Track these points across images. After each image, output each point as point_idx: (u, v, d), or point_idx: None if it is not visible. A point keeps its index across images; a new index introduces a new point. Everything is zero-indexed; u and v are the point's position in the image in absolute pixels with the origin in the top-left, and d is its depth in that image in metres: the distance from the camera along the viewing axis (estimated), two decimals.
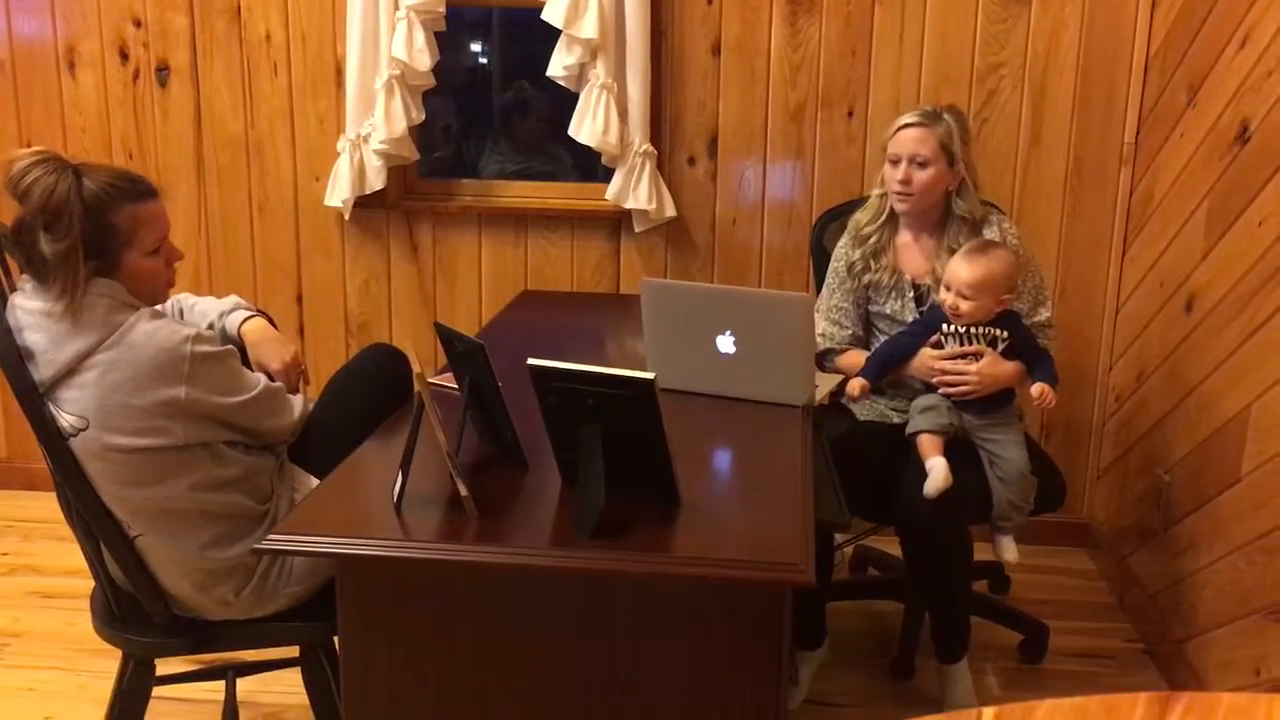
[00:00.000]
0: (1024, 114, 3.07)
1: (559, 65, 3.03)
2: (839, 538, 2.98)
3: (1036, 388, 2.31)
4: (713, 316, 2.07)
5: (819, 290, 2.68)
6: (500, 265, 3.33)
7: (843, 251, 2.58)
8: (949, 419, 2.32)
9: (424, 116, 3.15)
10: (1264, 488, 2.21)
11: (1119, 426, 3.12)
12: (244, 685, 2.35)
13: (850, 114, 3.12)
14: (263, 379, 1.94)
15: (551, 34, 3.01)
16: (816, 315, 2.56)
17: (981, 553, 2.42)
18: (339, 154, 3.17)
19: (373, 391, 2.11)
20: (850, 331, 2.56)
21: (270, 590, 1.93)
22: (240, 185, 3.33)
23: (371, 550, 1.52)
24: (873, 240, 2.52)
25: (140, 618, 1.93)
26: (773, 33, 3.10)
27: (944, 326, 2.35)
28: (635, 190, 3.09)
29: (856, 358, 2.54)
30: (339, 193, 3.18)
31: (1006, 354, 2.34)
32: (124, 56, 3.28)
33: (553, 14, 2.97)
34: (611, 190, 3.12)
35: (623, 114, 3.05)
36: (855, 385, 2.37)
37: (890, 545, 2.97)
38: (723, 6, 3.09)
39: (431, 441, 1.63)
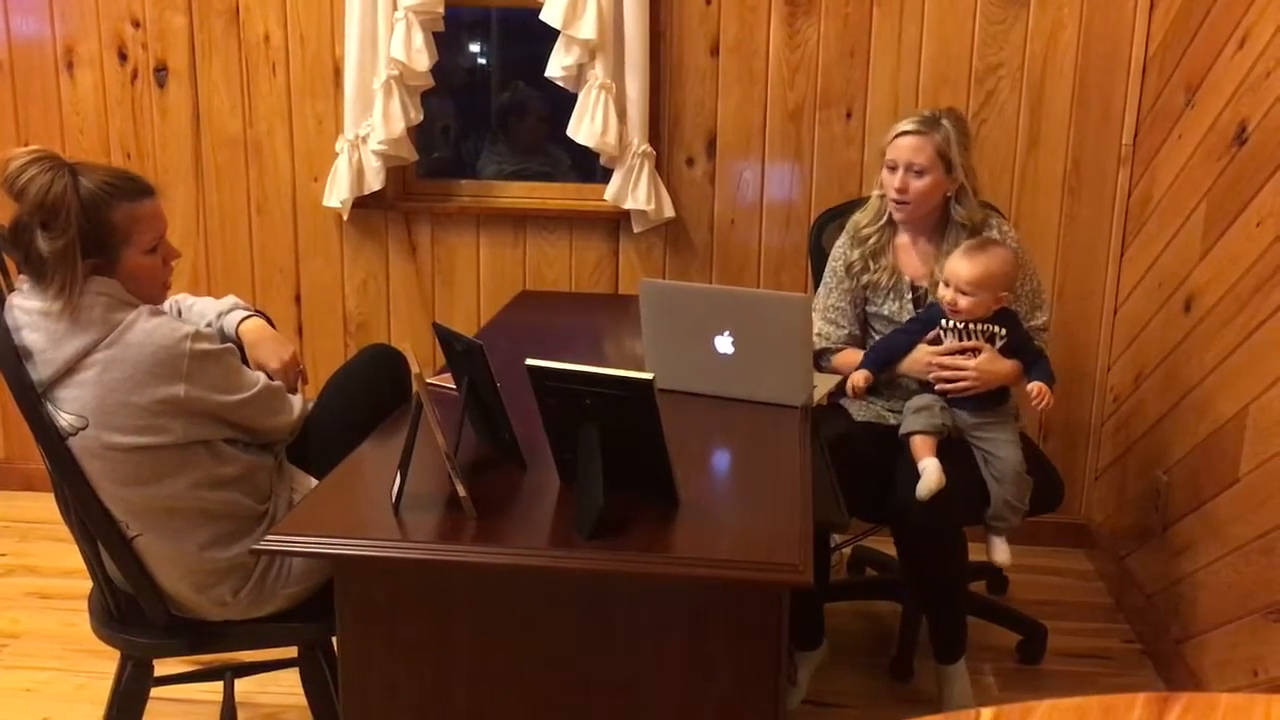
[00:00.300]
0: (1022, 115, 3.08)
1: (557, 66, 3.03)
2: (837, 538, 2.98)
3: (1034, 386, 2.31)
4: (711, 317, 2.07)
5: (816, 291, 2.68)
6: (499, 266, 3.33)
7: (841, 252, 2.58)
8: (942, 419, 2.32)
9: (422, 117, 3.15)
10: (1262, 488, 2.21)
11: (1117, 427, 3.13)
12: (242, 686, 2.35)
13: (848, 115, 3.13)
14: (262, 377, 1.94)
15: (550, 34, 3.01)
16: (814, 315, 2.56)
17: (978, 553, 2.42)
18: (337, 154, 3.17)
19: (371, 392, 2.12)
20: (847, 331, 2.56)
21: (268, 590, 1.93)
22: (239, 186, 3.33)
23: (370, 551, 1.52)
24: (872, 241, 2.52)
25: (138, 618, 1.93)
26: (771, 33, 3.10)
27: (942, 322, 2.35)
28: (634, 191, 3.09)
29: (853, 357, 2.54)
30: (337, 193, 3.18)
31: (1004, 352, 2.34)
32: (122, 57, 3.28)
33: (551, 14, 2.97)
34: (610, 191, 3.12)
35: (621, 114, 3.05)
36: (859, 377, 2.36)
37: (889, 546, 2.97)
38: (721, 7, 3.09)
39: (430, 442, 1.63)
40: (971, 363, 2.32)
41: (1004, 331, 2.33)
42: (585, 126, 3.03)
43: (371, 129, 3.10)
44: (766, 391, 2.07)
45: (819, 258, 2.78)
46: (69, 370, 1.75)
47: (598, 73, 3.01)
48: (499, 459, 1.79)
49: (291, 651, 2.06)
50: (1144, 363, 2.92)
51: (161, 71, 3.28)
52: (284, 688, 2.43)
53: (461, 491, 1.56)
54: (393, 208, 3.31)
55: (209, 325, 2.12)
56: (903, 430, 2.35)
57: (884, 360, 2.42)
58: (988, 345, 2.33)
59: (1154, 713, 1.05)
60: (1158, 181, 2.88)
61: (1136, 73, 3.01)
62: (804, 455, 1.84)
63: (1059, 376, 2.41)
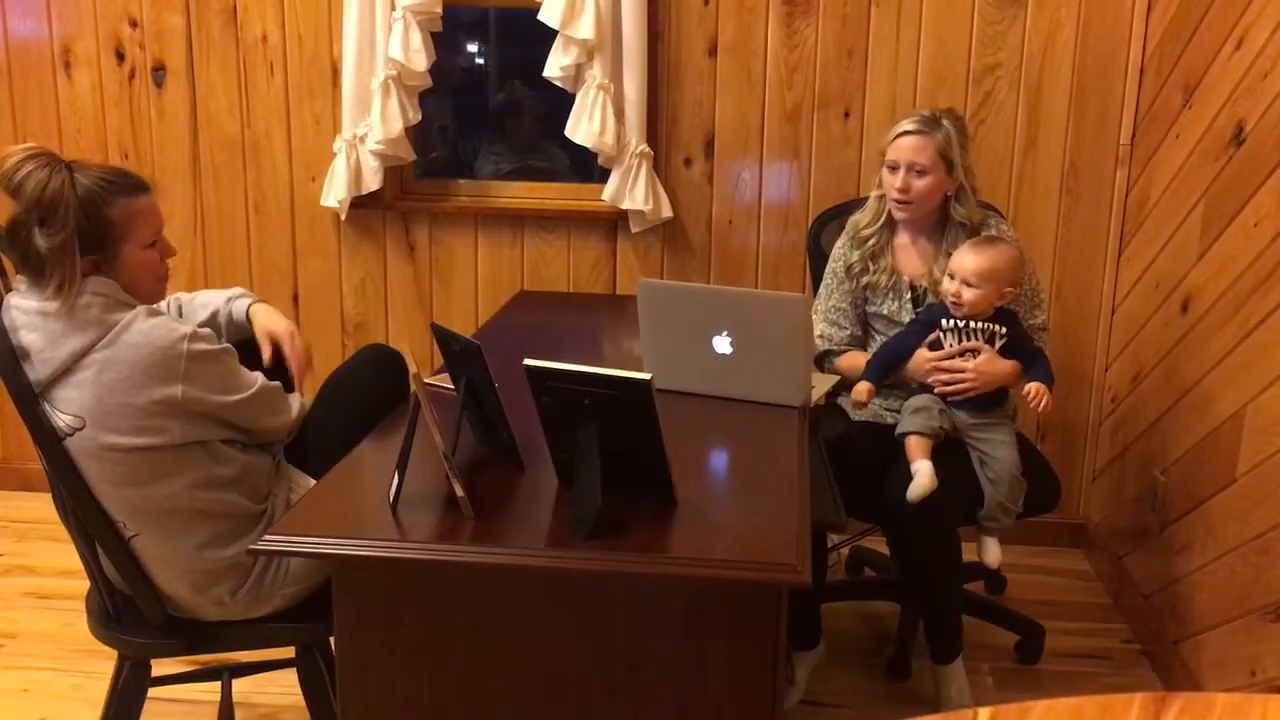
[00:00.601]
0: (1020, 115, 3.08)
1: (556, 66, 3.03)
2: (835, 538, 2.98)
3: (1031, 386, 2.31)
4: (709, 317, 2.07)
5: (815, 291, 2.68)
6: (497, 266, 3.33)
7: (841, 253, 2.58)
8: (940, 422, 2.33)
9: (420, 117, 3.15)
10: (1259, 488, 2.22)
11: (1115, 427, 3.13)
12: (240, 686, 2.35)
13: (846, 115, 3.13)
14: (260, 378, 1.94)
15: (548, 35, 3.01)
16: (815, 317, 2.56)
17: (971, 553, 2.42)
18: (335, 154, 3.17)
19: (369, 392, 2.12)
20: (849, 332, 2.56)
21: (266, 591, 1.93)
22: (236, 185, 3.33)
23: (367, 551, 1.52)
24: (871, 242, 2.52)
25: (136, 618, 1.92)
26: (769, 34, 3.10)
27: (943, 322, 2.35)
28: (632, 191, 3.09)
29: (856, 359, 2.54)
30: (335, 193, 3.18)
31: (1004, 351, 2.34)
32: (120, 57, 3.27)
33: (549, 15, 2.97)
34: (608, 191, 3.12)
35: (619, 115, 3.05)
36: (862, 390, 2.36)
37: (886, 545, 2.98)
38: (719, 8, 3.09)
39: (428, 442, 1.62)
40: (971, 364, 2.33)
41: (1004, 330, 2.34)
42: (583, 127, 3.03)
43: (369, 129, 3.10)
44: (764, 392, 2.07)
45: (817, 258, 2.78)
46: (66, 370, 1.75)
47: (596, 73, 3.01)
48: (497, 459, 1.79)
49: (289, 652, 2.06)
50: (1142, 363, 2.92)
51: (159, 71, 3.27)
52: (282, 688, 2.43)
53: (459, 491, 1.56)
54: (390, 208, 3.31)
55: (215, 313, 2.13)
56: (899, 430, 2.35)
57: (887, 367, 2.41)
58: (986, 346, 2.33)
59: (1151, 713, 1.05)
60: (1155, 182, 2.89)
61: (1134, 73, 3.02)
62: (802, 455, 1.84)
63: (1057, 376, 2.41)
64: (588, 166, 3.32)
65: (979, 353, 2.33)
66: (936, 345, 2.38)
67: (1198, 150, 2.62)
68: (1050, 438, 3.25)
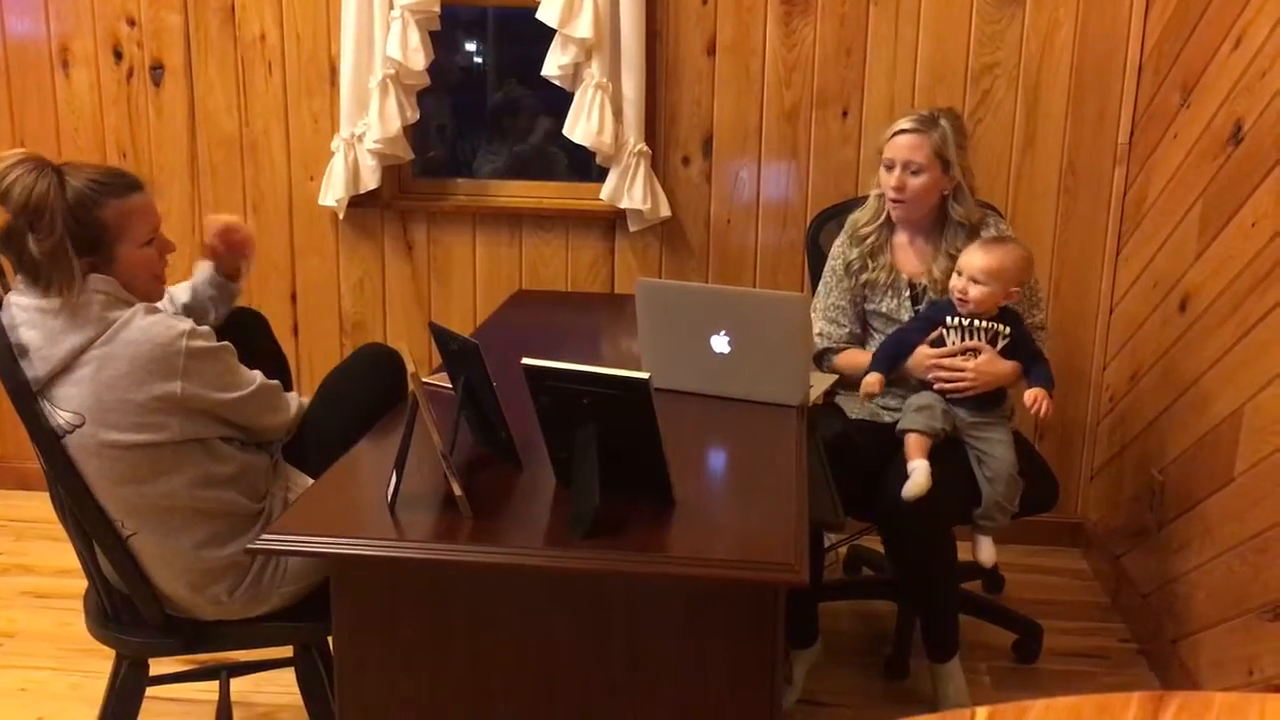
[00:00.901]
0: (1018, 114, 3.08)
1: (554, 65, 3.03)
2: (832, 537, 2.98)
3: (1030, 394, 2.31)
4: (707, 316, 2.07)
5: (814, 290, 2.68)
6: (495, 265, 3.32)
7: (840, 250, 2.58)
8: (941, 423, 2.33)
9: (418, 116, 3.15)
10: (1257, 488, 2.22)
11: (1113, 426, 3.13)
12: (238, 685, 2.35)
13: (845, 114, 3.13)
14: (259, 376, 1.94)
15: (546, 33, 3.01)
16: (814, 315, 2.56)
17: (967, 552, 2.42)
18: (333, 153, 3.17)
19: (367, 391, 2.12)
20: (848, 330, 2.56)
21: (264, 590, 1.93)
22: (234, 184, 3.33)
23: (366, 550, 1.52)
24: (870, 240, 2.52)
25: (134, 617, 1.92)
26: (767, 33, 3.10)
27: (947, 320, 2.36)
28: (630, 190, 3.09)
29: (855, 357, 2.54)
30: (333, 192, 3.18)
31: (1006, 352, 2.34)
32: (118, 55, 3.27)
33: (548, 14, 2.97)
34: (606, 190, 3.12)
35: (617, 114, 3.05)
36: (873, 382, 2.34)
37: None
38: (717, 7, 3.09)
39: (426, 441, 1.62)
40: (971, 364, 2.33)
41: (1007, 330, 2.34)
42: (581, 126, 3.03)
43: (367, 128, 3.09)
44: (763, 391, 2.07)
45: (816, 257, 2.78)
46: (65, 368, 1.75)
47: (594, 72, 3.01)
48: (495, 458, 1.79)
49: (287, 651, 2.06)
50: (1139, 362, 2.92)
51: (157, 70, 3.27)
52: (280, 687, 2.43)
53: (457, 491, 1.56)
54: (389, 206, 3.30)
55: (193, 287, 2.16)
56: (900, 426, 2.35)
57: (892, 361, 2.41)
58: (987, 346, 2.33)
59: (1149, 712, 1.05)
60: (1153, 181, 2.89)
61: (1132, 72, 3.02)
62: (800, 455, 1.84)
63: (1055, 375, 2.41)
64: (586, 165, 3.32)
65: (979, 352, 2.33)
66: (939, 342, 2.38)
67: (1196, 149, 2.62)
68: (1048, 437, 3.26)
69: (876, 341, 2.55)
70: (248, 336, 2.18)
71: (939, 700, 2.42)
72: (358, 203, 3.23)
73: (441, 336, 1.78)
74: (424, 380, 1.97)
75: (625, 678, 1.56)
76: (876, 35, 3.07)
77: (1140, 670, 2.70)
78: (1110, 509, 3.13)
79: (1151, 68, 2.95)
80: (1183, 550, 2.56)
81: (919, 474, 2.23)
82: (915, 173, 2.41)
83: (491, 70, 3.84)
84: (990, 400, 2.37)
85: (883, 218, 2.52)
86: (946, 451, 2.33)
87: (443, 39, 3.15)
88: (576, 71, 3.05)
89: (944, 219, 2.49)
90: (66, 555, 2.09)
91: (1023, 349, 2.36)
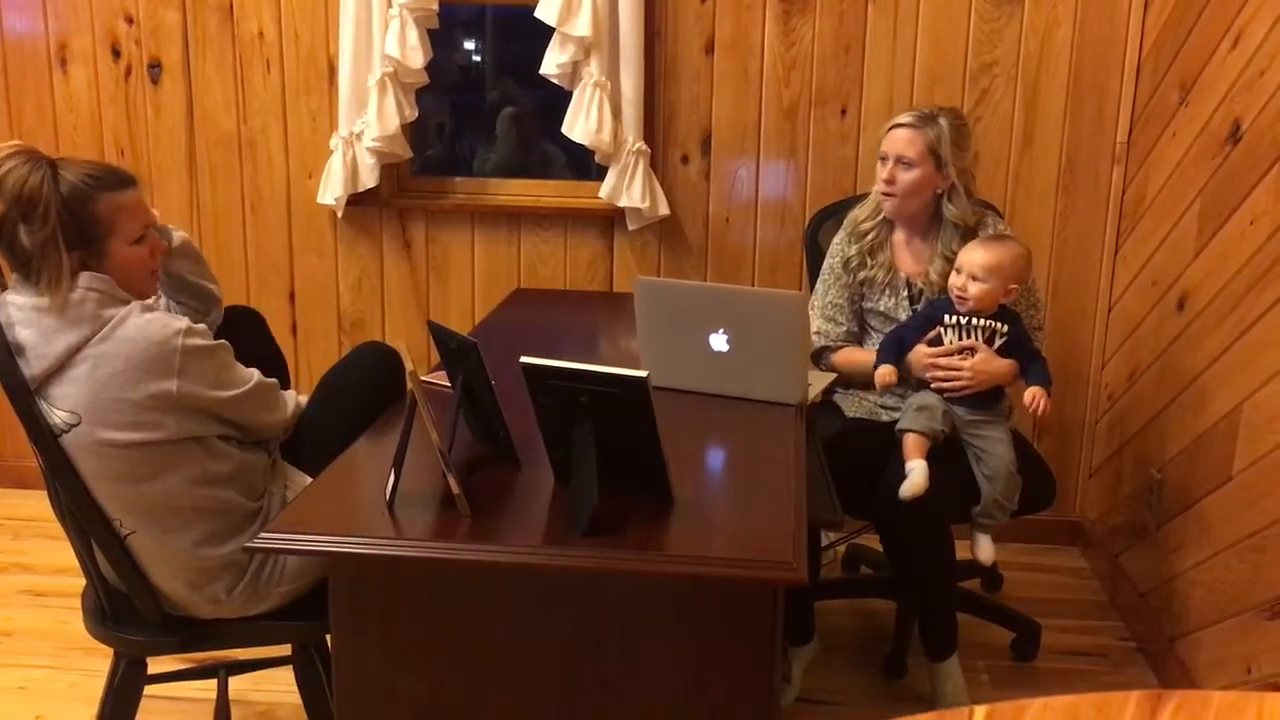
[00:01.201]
0: (1016, 113, 3.08)
1: (552, 63, 3.03)
2: (830, 536, 2.98)
3: (1029, 394, 2.31)
4: (706, 315, 2.07)
5: (812, 288, 2.68)
6: (493, 263, 3.32)
7: (839, 248, 2.58)
8: (941, 425, 2.33)
9: (417, 114, 3.14)
10: (1255, 486, 2.22)
11: (1111, 425, 3.13)
12: (236, 684, 2.35)
13: (843, 112, 3.13)
14: (256, 374, 1.94)
15: (545, 32, 3.01)
16: (811, 313, 2.56)
17: (965, 551, 2.42)
18: (332, 151, 3.17)
19: (365, 390, 2.11)
20: (845, 329, 2.56)
21: (262, 589, 1.93)
22: (233, 183, 3.33)
23: (364, 549, 1.52)
24: (870, 236, 2.53)
25: (132, 616, 1.92)
26: (766, 31, 3.10)
27: (945, 318, 2.36)
28: (629, 188, 3.08)
29: (853, 355, 2.54)
30: (332, 190, 3.18)
31: (1004, 350, 2.35)
32: (116, 53, 3.27)
33: (546, 12, 2.97)
34: (605, 188, 3.12)
35: (616, 112, 3.05)
36: (886, 373, 2.35)
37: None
38: (716, 5, 3.09)
39: (424, 440, 1.62)
40: (967, 363, 2.33)
41: (1005, 329, 2.34)
42: (580, 124, 3.03)
43: (366, 126, 3.09)
44: (761, 389, 2.07)
45: (815, 255, 2.78)
46: (61, 366, 1.75)
47: (593, 70, 3.01)
48: (493, 457, 1.79)
49: (285, 649, 2.06)
50: (1138, 361, 2.93)
51: (155, 68, 3.27)
52: (278, 685, 2.43)
53: (456, 489, 1.56)
54: (387, 205, 3.30)
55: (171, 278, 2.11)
56: (900, 426, 2.35)
57: (898, 354, 2.41)
58: (984, 345, 2.34)
59: (1147, 711, 1.05)
60: (1152, 180, 2.89)
61: (1131, 71, 3.02)
62: (798, 453, 1.84)
63: (1053, 374, 2.41)
64: (584, 164, 3.32)
65: (976, 351, 2.33)
66: (936, 341, 2.38)
67: (1194, 148, 2.62)
68: (1047, 435, 3.26)
69: (874, 340, 2.55)
70: (246, 335, 2.18)
71: (937, 699, 2.42)
72: (356, 201, 3.22)
73: (440, 335, 1.78)
74: (422, 379, 1.97)
75: (624, 676, 1.56)
76: (875, 34, 3.07)
77: (1138, 669, 2.70)
78: (1109, 507, 3.13)
79: (1150, 66, 2.95)
80: (1181, 549, 2.56)
81: (916, 474, 2.23)
82: (907, 167, 2.41)
83: (490, 68, 3.84)
84: (988, 398, 2.37)
85: (882, 214, 2.52)
86: (945, 450, 2.33)
87: (441, 37, 3.15)
88: (575, 70, 3.05)
89: (940, 219, 2.49)
90: (64, 554, 2.08)
91: (1020, 347, 2.36)
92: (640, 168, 3.07)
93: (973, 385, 2.33)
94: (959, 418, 2.37)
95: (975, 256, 2.31)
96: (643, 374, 1.50)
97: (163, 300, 2.11)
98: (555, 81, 3.08)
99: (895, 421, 2.43)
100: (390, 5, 3.00)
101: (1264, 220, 2.24)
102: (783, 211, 3.21)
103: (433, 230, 3.32)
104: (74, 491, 1.80)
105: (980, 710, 1.05)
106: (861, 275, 2.54)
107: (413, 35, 3.01)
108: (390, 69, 3.04)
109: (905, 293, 2.51)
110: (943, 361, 2.35)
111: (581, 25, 2.95)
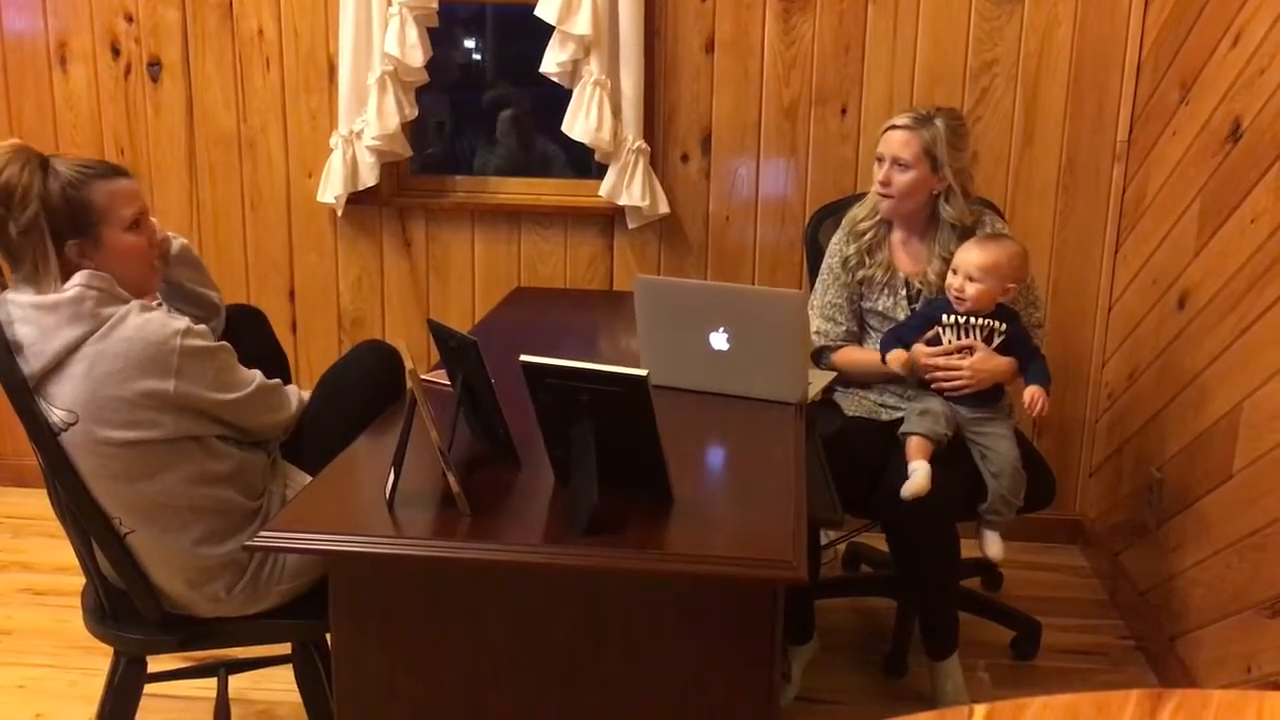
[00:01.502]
0: (1017, 112, 3.08)
1: (552, 62, 3.03)
2: (831, 535, 2.98)
3: (1028, 394, 2.32)
4: (706, 313, 2.07)
5: (812, 287, 2.68)
6: (493, 262, 3.32)
7: (837, 247, 2.58)
8: (945, 429, 2.33)
9: (417, 113, 3.14)
10: (1255, 485, 2.22)
11: (1111, 424, 3.13)
12: (236, 682, 2.35)
13: (843, 111, 3.12)
14: (258, 376, 1.94)
15: (545, 30, 3.01)
16: (811, 312, 2.56)
17: (971, 550, 2.43)
18: (332, 150, 3.17)
19: (365, 388, 2.11)
20: (845, 328, 2.56)
21: (262, 587, 1.93)
22: (232, 181, 3.33)
23: (363, 547, 1.52)
24: (868, 236, 2.53)
25: (131, 615, 1.92)
26: (766, 30, 3.10)
27: (942, 318, 2.36)
28: (628, 187, 3.08)
29: (852, 354, 2.54)
30: (332, 189, 3.18)
31: (1002, 348, 2.35)
32: (115, 52, 3.27)
33: (546, 10, 2.97)
34: (605, 187, 3.12)
35: (616, 111, 3.05)
36: (897, 357, 2.36)
37: (883, 542, 2.98)
38: (716, 3, 3.08)
39: (424, 438, 1.62)
40: (966, 362, 2.33)
41: (1004, 327, 2.34)
42: (580, 123, 3.03)
43: (366, 124, 3.09)
44: (761, 388, 2.07)
45: (815, 254, 2.78)
46: (58, 364, 1.75)
47: (593, 69, 3.00)
48: (493, 455, 1.79)
49: (285, 648, 2.06)
50: (1138, 359, 2.92)
51: (155, 66, 3.27)
52: (278, 684, 2.43)
53: (456, 488, 1.56)
54: (387, 204, 3.30)
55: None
56: (903, 429, 2.35)
57: (904, 345, 2.41)
58: (982, 344, 2.34)
59: (1147, 710, 1.05)
60: (1152, 178, 2.89)
61: (1131, 70, 3.02)
62: (799, 452, 1.84)
63: (1054, 373, 2.41)
64: (584, 162, 3.32)
65: (974, 350, 2.34)
66: (935, 341, 2.38)
67: (1194, 146, 2.62)
68: (1047, 434, 3.26)
69: (873, 340, 2.55)
70: (247, 334, 2.18)
71: (937, 698, 2.42)
72: (356, 200, 3.22)
73: (440, 333, 1.78)
74: (422, 377, 1.97)
75: (623, 675, 1.56)
76: (875, 32, 3.07)
77: (1138, 667, 2.70)
78: (1109, 506, 3.13)
79: (1150, 65, 2.95)
80: (1181, 547, 2.56)
81: (919, 475, 2.23)
82: (903, 168, 2.42)
83: (490, 67, 3.84)
84: (989, 396, 2.37)
85: (880, 213, 2.52)
86: (948, 450, 2.33)
87: (441, 36, 3.15)
88: (575, 68, 3.05)
89: (938, 219, 2.49)
90: (64, 552, 2.08)
91: (1019, 345, 2.36)
92: (640, 166, 3.07)
93: (972, 384, 2.33)
94: (962, 417, 2.37)
95: (972, 256, 2.31)
96: (643, 373, 1.50)
97: (163, 307, 2.11)
98: (555, 80, 3.08)
99: (895, 421, 2.43)
100: (390, 3, 3.00)
101: (1264, 219, 2.24)
102: (783, 210, 3.21)
103: (433, 229, 3.32)
104: (73, 490, 1.80)
105: (980, 709, 1.05)
106: (860, 275, 2.54)
107: (413, 33, 3.01)
108: (390, 67, 3.03)
109: (904, 292, 2.51)
110: (942, 361, 2.35)
111: (581, 24, 2.95)
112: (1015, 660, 2.71)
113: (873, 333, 2.57)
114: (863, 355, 2.54)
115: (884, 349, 2.41)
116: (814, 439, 2.19)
